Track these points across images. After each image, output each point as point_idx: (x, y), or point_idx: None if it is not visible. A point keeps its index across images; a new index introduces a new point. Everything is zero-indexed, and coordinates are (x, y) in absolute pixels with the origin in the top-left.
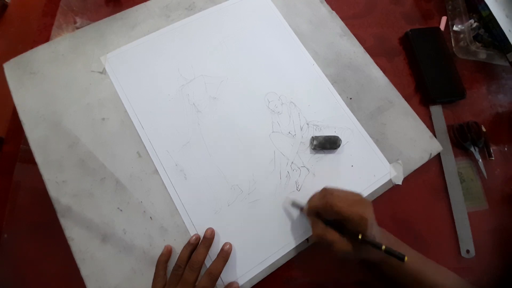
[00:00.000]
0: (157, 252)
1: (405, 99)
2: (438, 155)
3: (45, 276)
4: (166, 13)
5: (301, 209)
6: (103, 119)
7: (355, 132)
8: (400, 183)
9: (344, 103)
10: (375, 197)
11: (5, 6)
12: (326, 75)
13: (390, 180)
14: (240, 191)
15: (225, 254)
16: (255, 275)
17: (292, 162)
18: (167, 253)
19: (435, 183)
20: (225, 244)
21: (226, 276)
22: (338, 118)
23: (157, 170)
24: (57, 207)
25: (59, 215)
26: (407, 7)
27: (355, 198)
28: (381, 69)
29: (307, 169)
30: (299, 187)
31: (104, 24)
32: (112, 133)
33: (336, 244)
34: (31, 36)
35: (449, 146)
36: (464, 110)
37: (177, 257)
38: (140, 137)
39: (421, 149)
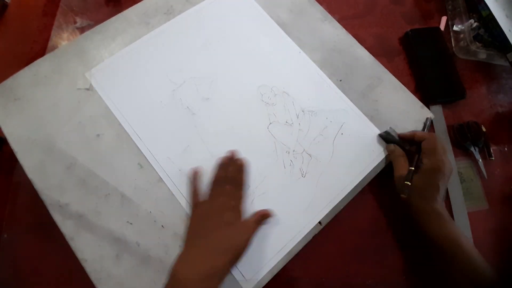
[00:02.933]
0: (174, 259)
1: None
2: None
3: (45, 276)
4: (145, 21)
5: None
6: (98, 135)
7: (349, 113)
8: None
9: (335, 86)
10: (377, 173)
11: (5, 6)
12: (314, 61)
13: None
14: (247, 186)
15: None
16: (276, 265)
17: (294, 150)
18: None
19: None
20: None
21: (246, 270)
22: (331, 101)
23: (161, 178)
24: (64, 231)
25: (67, 239)
26: (407, 7)
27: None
28: None
29: (309, 154)
30: (304, 173)
31: (84, 40)
32: (109, 148)
33: (401, 159)
34: (31, 36)
35: (449, 146)
36: (464, 110)
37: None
38: (138, 148)
39: (414, 119)
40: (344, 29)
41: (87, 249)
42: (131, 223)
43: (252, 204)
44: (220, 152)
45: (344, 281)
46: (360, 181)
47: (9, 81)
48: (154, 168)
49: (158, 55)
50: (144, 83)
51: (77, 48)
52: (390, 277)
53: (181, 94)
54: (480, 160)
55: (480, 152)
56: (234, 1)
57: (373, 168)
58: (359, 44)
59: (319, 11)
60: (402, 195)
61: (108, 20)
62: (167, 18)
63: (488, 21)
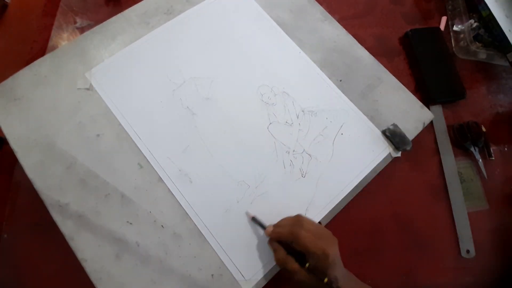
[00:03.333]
0: (174, 259)
1: None
2: (438, 155)
3: (45, 276)
4: (145, 21)
5: (264, 229)
6: (98, 135)
7: (349, 113)
8: (399, 155)
9: (335, 86)
10: (376, 173)
11: (5, 6)
12: (314, 61)
13: (389, 154)
14: (247, 186)
15: None
16: (275, 265)
17: (294, 150)
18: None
19: (435, 183)
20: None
21: (246, 270)
22: (331, 101)
23: (161, 178)
24: (64, 230)
25: (67, 239)
26: (407, 7)
27: (322, 232)
28: None
29: (309, 155)
30: (304, 173)
31: (84, 40)
32: (109, 148)
33: (296, 274)
34: (31, 36)
35: (449, 146)
36: (464, 110)
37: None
38: (138, 148)
39: (414, 119)
40: (344, 29)
41: (87, 249)
42: (131, 223)
43: (252, 204)
44: (220, 152)
45: None
46: (360, 181)
47: (9, 81)
48: (154, 168)
49: (158, 55)
50: (144, 83)
51: (77, 48)
52: (390, 277)
53: (181, 94)
54: (480, 160)
55: (480, 152)
56: (234, 1)
57: (373, 168)
58: (359, 44)
59: (319, 11)
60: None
61: (108, 20)
62: (167, 18)
63: (488, 21)
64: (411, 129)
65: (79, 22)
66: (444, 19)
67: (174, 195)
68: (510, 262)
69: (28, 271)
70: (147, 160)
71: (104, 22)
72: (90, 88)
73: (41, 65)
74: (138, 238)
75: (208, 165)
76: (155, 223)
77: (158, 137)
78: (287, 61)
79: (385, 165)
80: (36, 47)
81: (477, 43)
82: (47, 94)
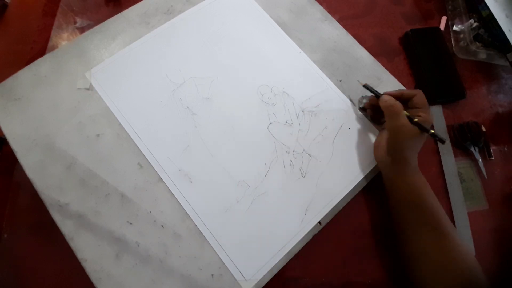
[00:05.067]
0: (174, 259)
1: None
2: (438, 155)
3: (45, 276)
4: (145, 20)
5: (379, 96)
6: (98, 135)
7: (349, 113)
8: None
9: (335, 86)
10: (376, 173)
11: (5, 6)
12: (314, 61)
13: None
14: (247, 186)
15: None
16: (276, 265)
17: (293, 150)
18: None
19: (435, 183)
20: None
21: (246, 270)
22: (331, 101)
23: (161, 178)
24: (64, 230)
25: (67, 239)
26: (407, 7)
27: None
28: None
29: (309, 155)
30: (304, 173)
31: (84, 40)
32: (109, 148)
33: (401, 117)
34: (31, 36)
35: (449, 146)
36: (464, 110)
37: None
38: (138, 148)
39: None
40: (344, 29)
41: (87, 249)
42: (131, 223)
43: (252, 204)
44: (220, 152)
45: (344, 281)
46: (360, 181)
47: (9, 81)
48: (154, 168)
49: (158, 55)
50: (144, 83)
51: (77, 48)
52: (390, 277)
53: (181, 94)
54: (480, 160)
55: (480, 152)
56: (234, 1)
57: (373, 168)
58: (359, 44)
59: (319, 11)
60: (443, 140)
61: (108, 20)
62: (167, 18)
63: (488, 21)
64: None
65: (79, 22)
66: (444, 19)
67: (174, 195)
68: (510, 262)
69: (28, 271)
70: (147, 160)
71: (104, 22)
72: (90, 88)
73: (41, 65)
74: (138, 238)
75: (208, 165)
76: (155, 223)
77: (158, 137)
78: (287, 61)
79: None
80: (36, 47)
81: (477, 43)
82: (47, 94)
